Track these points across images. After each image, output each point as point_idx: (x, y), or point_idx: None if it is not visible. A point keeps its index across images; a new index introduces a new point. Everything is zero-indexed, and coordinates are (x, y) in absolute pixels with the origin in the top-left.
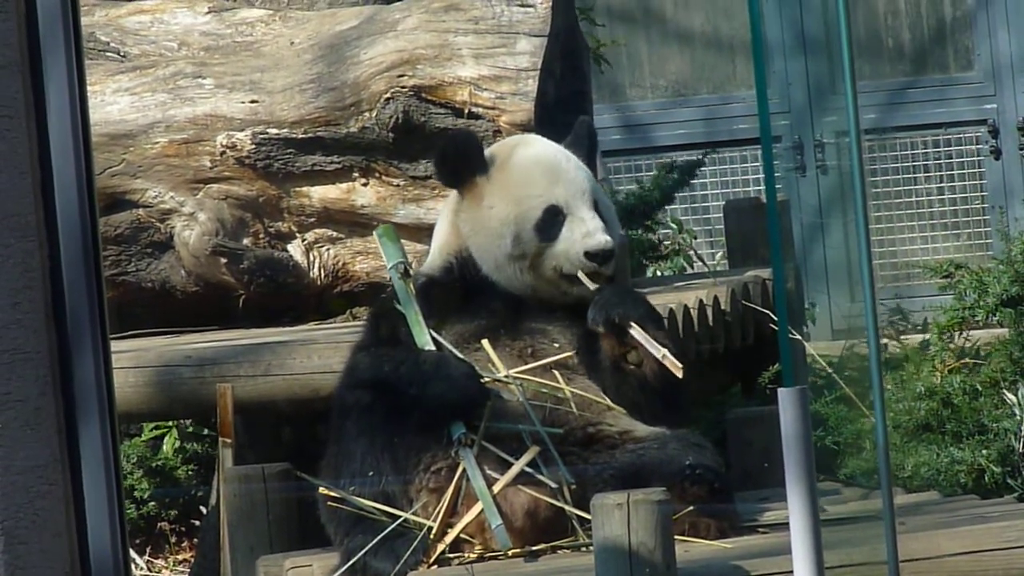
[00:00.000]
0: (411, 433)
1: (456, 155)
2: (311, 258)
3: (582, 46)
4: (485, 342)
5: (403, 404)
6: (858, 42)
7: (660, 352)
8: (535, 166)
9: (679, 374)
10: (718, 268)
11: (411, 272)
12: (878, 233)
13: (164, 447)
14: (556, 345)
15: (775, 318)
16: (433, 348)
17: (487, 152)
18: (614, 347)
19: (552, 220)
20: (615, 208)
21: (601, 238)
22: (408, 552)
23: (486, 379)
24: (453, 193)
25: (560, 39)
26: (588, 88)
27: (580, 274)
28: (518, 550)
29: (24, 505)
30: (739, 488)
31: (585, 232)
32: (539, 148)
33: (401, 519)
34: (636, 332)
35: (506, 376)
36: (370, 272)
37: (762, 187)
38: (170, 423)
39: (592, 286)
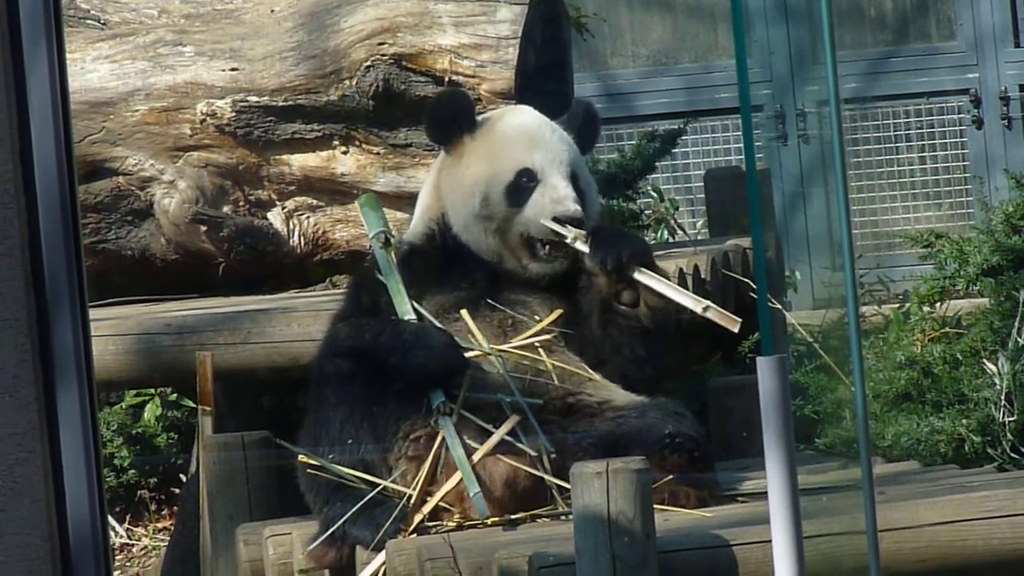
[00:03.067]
0: (391, 402)
1: (447, 112)
2: (291, 226)
3: (563, 14)
4: (464, 313)
5: (383, 373)
6: (840, 11)
7: (701, 305)
8: (517, 131)
9: (735, 328)
10: (699, 237)
11: (392, 242)
12: (859, 203)
13: (145, 415)
14: (537, 317)
15: (755, 287)
16: (414, 318)
17: (480, 117)
18: (610, 290)
19: (524, 184)
20: (596, 181)
21: (571, 206)
22: (388, 521)
23: (468, 352)
24: (440, 155)
25: (540, 7)
26: (569, 57)
27: (552, 224)
28: (497, 519)
29: (2, 472)
30: (719, 457)
31: (555, 198)
32: (526, 117)
33: (380, 487)
34: (648, 278)
35: (487, 349)
36: (350, 240)
37: (743, 156)
38: (152, 391)
39: (568, 234)
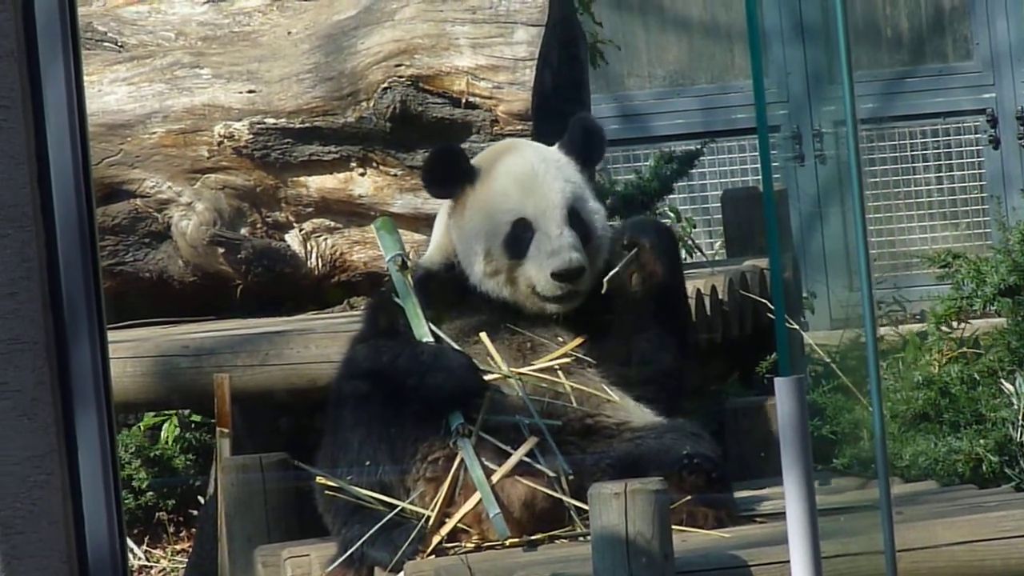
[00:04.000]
0: (409, 423)
1: (441, 169)
2: (309, 248)
3: (579, 35)
4: (483, 336)
5: (401, 395)
6: (856, 31)
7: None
8: (510, 179)
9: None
10: (716, 258)
11: (409, 264)
12: (876, 223)
13: (163, 436)
14: (559, 339)
15: (773, 307)
16: (432, 340)
17: (475, 160)
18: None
19: (521, 235)
20: (606, 199)
21: (566, 256)
22: (406, 542)
23: (488, 375)
24: (447, 202)
25: (557, 29)
26: (585, 78)
27: (553, 282)
28: (516, 540)
29: (21, 495)
30: (737, 478)
31: (551, 251)
32: (518, 158)
33: (398, 508)
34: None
35: (507, 372)
36: (368, 262)
37: (760, 176)
38: (170, 412)
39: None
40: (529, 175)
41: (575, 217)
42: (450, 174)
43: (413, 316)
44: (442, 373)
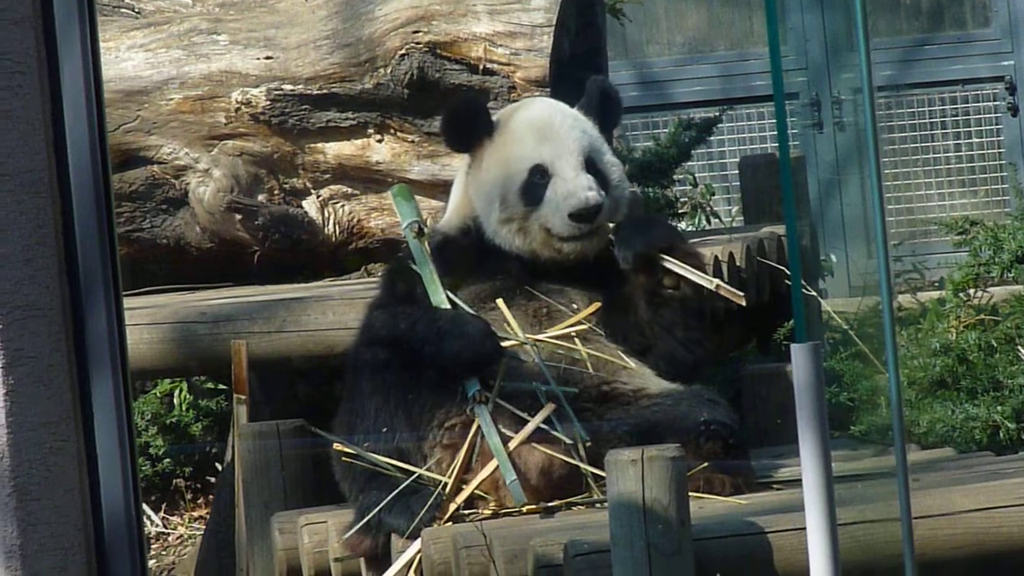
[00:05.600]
0: (426, 390)
1: (460, 120)
2: (326, 214)
3: (597, 2)
4: (500, 302)
5: (418, 361)
6: None
7: (712, 283)
8: (527, 127)
9: (742, 302)
10: (734, 224)
11: (425, 231)
12: (894, 190)
13: (176, 403)
14: (574, 306)
15: (790, 274)
16: (448, 307)
17: (495, 116)
18: (648, 279)
19: (537, 182)
20: (624, 165)
21: (583, 196)
22: (423, 509)
23: (505, 341)
24: (465, 158)
25: None
26: (603, 44)
27: (570, 222)
28: (533, 506)
29: (37, 461)
30: (754, 445)
31: (567, 192)
32: (535, 109)
33: (415, 475)
34: (671, 264)
35: (523, 339)
36: (385, 228)
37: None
38: (180, 379)
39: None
40: (546, 123)
41: (591, 165)
42: (469, 126)
43: (430, 283)
44: (460, 339)
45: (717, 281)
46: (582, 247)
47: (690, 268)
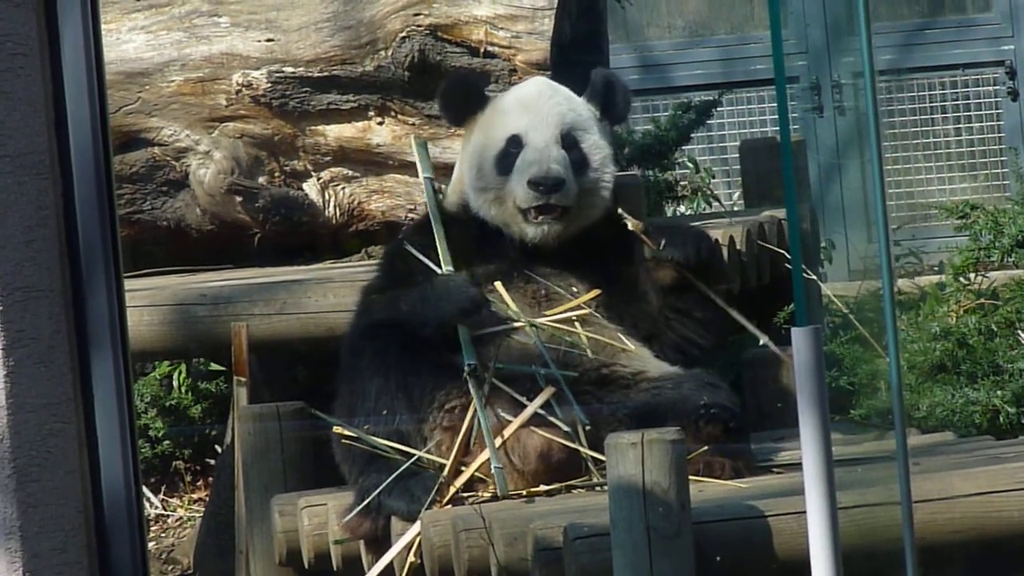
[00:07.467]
0: (425, 371)
1: (454, 94)
2: (326, 197)
3: None
4: (498, 284)
5: (416, 342)
6: None
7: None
8: (514, 101)
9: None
10: (734, 208)
11: (437, 190)
12: (895, 174)
13: (175, 385)
14: (574, 289)
15: (790, 258)
16: (452, 269)
17: (494, 95)
18: (668, 277)
19: (512, 151)
20: (624, 149)
21: (545, 166)
22: (423, 491)
23: (512, 323)
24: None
25: None
26: (604, 28)
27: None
28: (532, 490)
29: (37, 443)
30: (754, 428)
31: (531, 160)
32: (529, 86)
33: (415, 458)
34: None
35: (523, 322)
36: (385, 211)
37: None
38: (180, 361)
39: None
40: (532, 96)
41: (571, 141)
42: (461, 100)
43: (441, 240)
44: (442, 295)
45: (766, 337)
46: (548, 231)
47: (725, 304)
